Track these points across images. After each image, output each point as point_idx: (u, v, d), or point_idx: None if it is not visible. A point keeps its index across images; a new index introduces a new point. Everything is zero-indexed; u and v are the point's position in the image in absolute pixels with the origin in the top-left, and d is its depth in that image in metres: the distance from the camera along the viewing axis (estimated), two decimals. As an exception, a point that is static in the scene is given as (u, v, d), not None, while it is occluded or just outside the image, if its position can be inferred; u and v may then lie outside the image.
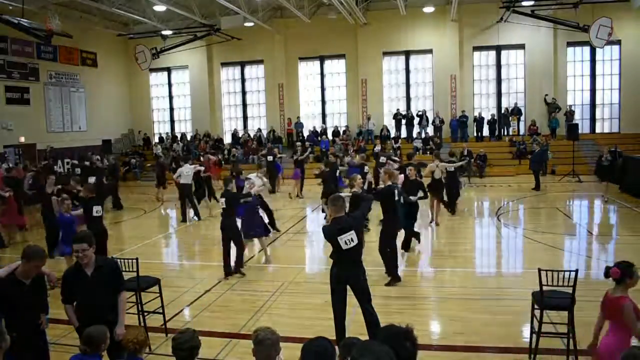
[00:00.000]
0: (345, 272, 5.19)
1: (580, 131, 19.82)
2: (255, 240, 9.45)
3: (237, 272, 8.19)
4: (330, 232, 5.14)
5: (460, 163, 13.86)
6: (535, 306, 5.10)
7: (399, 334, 2.38)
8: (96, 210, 7.96)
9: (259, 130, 25.12)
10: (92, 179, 13.01)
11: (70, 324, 4.35)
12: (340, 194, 6.65)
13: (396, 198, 7.61)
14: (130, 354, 3.52)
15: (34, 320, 4.09)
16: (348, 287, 5.21)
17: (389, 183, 7.64)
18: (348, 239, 5.05)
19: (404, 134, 23.28)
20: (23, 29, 16.80)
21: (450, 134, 22.68)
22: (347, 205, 6.43)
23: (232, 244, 8.21)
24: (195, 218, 13.33)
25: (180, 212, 13.39)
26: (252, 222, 8.98)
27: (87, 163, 17.15)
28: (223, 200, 8.28)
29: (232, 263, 8.20)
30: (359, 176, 8.55)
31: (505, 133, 22.45)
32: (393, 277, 7.49)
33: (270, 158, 17.77)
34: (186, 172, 13.17)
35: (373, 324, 5.12)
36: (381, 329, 2.47)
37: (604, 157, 14.62)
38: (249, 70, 25.91)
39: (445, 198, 12.36)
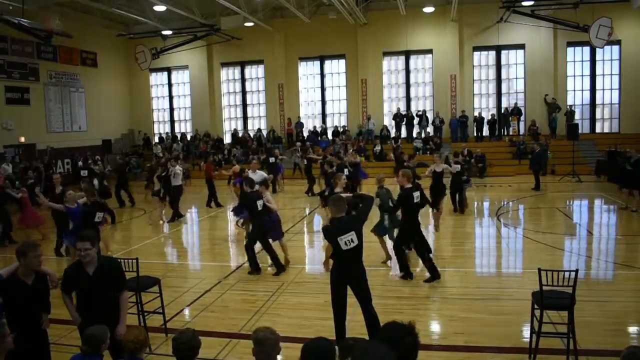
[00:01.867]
0: (346, 272, 5.19)
1: (580, 131, 19.83)
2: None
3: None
4: (331, 233, 5.15)
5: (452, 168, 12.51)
6: (535, 306, 5.10)
7: (400, 329, 2.39)
8: (98, 216, 7.96)
9: (259, 130, 25.10)
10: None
11: (72, 323, 4.35)
12: (340, 194, 6.66)
13: (415, 200, 7.56)
14: (130, 354, 3.52)
15: (36, 320, 4.09)
16: (348, 287, 5.21)
17: (409, 185, 7.51)
18: (348, 240, 5.05)
19: (404, 134, 23.29)
20: (23, 29, 16.79)
21: (450, 134, 22.68)
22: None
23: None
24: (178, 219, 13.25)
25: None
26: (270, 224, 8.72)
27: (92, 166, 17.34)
28: (260, 202, 8.17)
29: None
30: (343, 175, 8.48)
31: (505, 133, 22.44)
32: (406, 274, 7.66)
33: (272, 159, 17.73)
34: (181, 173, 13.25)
35: (373, 325, 5.12)
36: (383, 327, 2.48)
37: (625, 159, 12.64)
38: (249, 70, 25.90)
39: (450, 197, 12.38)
